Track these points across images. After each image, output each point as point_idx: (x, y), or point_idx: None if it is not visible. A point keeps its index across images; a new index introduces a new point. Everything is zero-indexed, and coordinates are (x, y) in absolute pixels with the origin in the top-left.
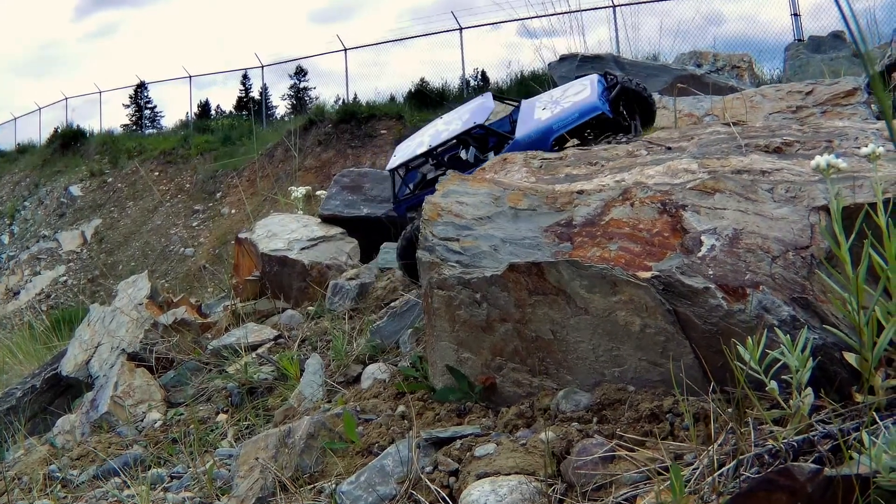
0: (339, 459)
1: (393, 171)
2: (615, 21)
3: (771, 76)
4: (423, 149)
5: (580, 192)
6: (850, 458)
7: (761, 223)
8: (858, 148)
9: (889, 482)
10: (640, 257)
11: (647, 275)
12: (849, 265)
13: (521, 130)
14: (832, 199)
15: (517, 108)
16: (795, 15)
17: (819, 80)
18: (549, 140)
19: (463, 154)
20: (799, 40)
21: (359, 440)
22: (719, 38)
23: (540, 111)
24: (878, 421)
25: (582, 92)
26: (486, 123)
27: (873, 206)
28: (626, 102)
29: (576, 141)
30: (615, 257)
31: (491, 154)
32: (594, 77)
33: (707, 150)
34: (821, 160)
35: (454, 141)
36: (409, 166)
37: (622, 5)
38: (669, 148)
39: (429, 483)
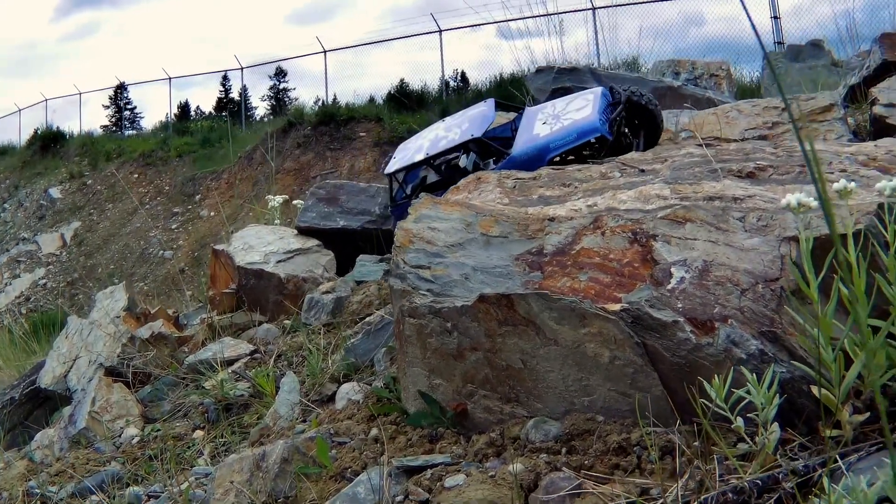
0: (312, 485)
1: (391, 175)
2: (595, 23)
3: (751, 78)
4: (421, 156)
5: (552, 220)
6: (816, 495)
7: (731, 254)
8: (832, 173)
9: None
10: (609, 288)
11: (617, 307)
12: (817, 304)
13: (518, 146)
14: (802, 237)
15: (520, 115)
16: (775, 18)
17: (795, 96)
18: (545, 159)
19: (462, 161)
20: (779, 43)
21: (332, 465)
22: (700, 39)
23: (540, 125)
24: (839, 460)
25: (584, 109)
26: (489, 128)
27: (846, 236)
28: (631, 119)
29: (572, 157)
30: (585, 288)
31: (491, 162)
32: (598, 92)
33: (680, 175)
34: (792, 199)
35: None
36: (407, 170)
37: (601, 7)
38: (643, 170)
39: None
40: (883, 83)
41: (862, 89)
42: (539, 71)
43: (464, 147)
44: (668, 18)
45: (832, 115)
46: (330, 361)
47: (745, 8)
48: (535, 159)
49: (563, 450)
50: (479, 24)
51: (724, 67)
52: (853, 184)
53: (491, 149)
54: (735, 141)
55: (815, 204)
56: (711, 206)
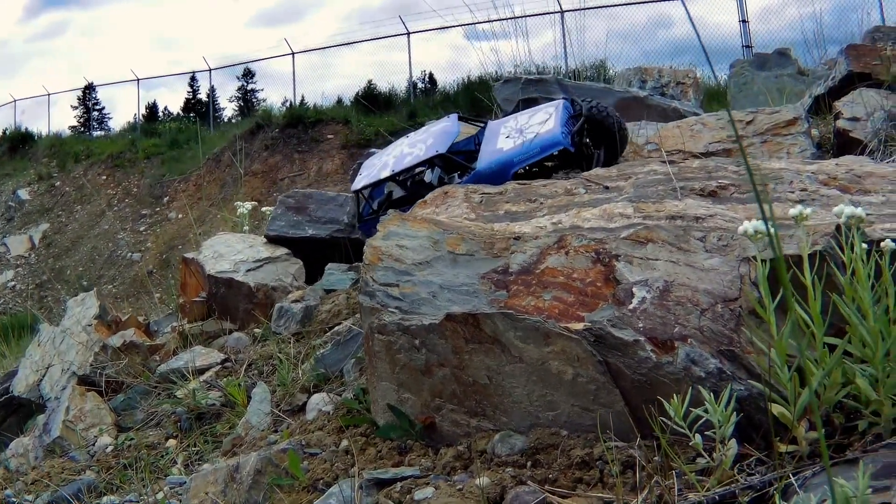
0: (285, 496)
1: (357, 191)
2: (563, 26)
3: (718, 81)
4: (387, 172)
5: (517, 238)
6: None
7: (692, 275)
8: (793, 192)
9: None
10: (573, 307)
11: (579, 326)
12: (773, 326)
13: (483, 160)
14: (758, 260)
15: (483, 129)
16: (743, 21)
17: (760, 109)
18: (510, 173)
19: (427, 176)
20: (747, 47)
21: (304, 476)
22: (668, 41)
23: (503, 139)
24: (791, 477)
25: (546, 122)
26: (453, 142)
27: (802, 257)
28: (592, 132)
29: (536, 170)
30: (549, 307)
31: (456, 176)
32: (560, 105)
33: (643, 193)
34: (749, 227)
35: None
36: (373, 186)
37: (569, 11)
38: (607, 187)
39: None
40: (847, 97)
41: (826, 100)
42: (506, 81)
43: (428, 162)
44: (636, 21)
45: (796, 128)
46: (300, 371)
47: (695, 30)
48: (500, 173)
49: (529, 463)
50: (447, 27)
51: (690, 75)
52: (809, 209)
53: (455, 164)
54: (699, 156)
55: (771, 231)
56: (673, 226)
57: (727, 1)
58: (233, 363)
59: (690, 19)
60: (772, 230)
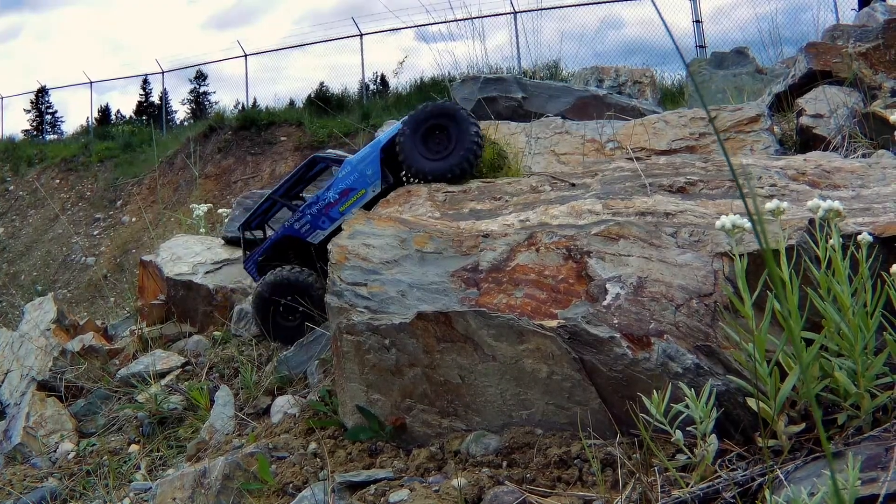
0: (254, 500)
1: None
2: (516, 27)
3: (672, 81)
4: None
5: (486, 236)
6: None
7: (665, 270)
8: (762, 188)
9: None
10: (545, 304)
11: (554, 324)
12: (751, 320)
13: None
14: (735, 255)
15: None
16: (697, 21)
17: (722, 106)
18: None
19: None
20: (700, 46)
21: (273, 480)
22: (619, 42)
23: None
24: (777, 469)
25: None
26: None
27: (778, 252)
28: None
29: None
30: (521, 304)
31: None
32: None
33: (611, 189)
34: (726, 221)
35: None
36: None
37: (523, 12)
38: (573, 185)
39: None
40: (809, 94)
41: (787, 97)
42: (464, 81)
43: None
44: (587, 22)
45: (759, 125)
46: (263, 374)
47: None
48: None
49: (504, 463)
50: (401, 28)
51: (647, 74)
52: (785, 203)
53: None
54: (663, 152)
55: (748, 226)
56: (644, 222)
57: (678, 1)
58: (193, 366)
59: (662, 19)
60: (756, 224)
